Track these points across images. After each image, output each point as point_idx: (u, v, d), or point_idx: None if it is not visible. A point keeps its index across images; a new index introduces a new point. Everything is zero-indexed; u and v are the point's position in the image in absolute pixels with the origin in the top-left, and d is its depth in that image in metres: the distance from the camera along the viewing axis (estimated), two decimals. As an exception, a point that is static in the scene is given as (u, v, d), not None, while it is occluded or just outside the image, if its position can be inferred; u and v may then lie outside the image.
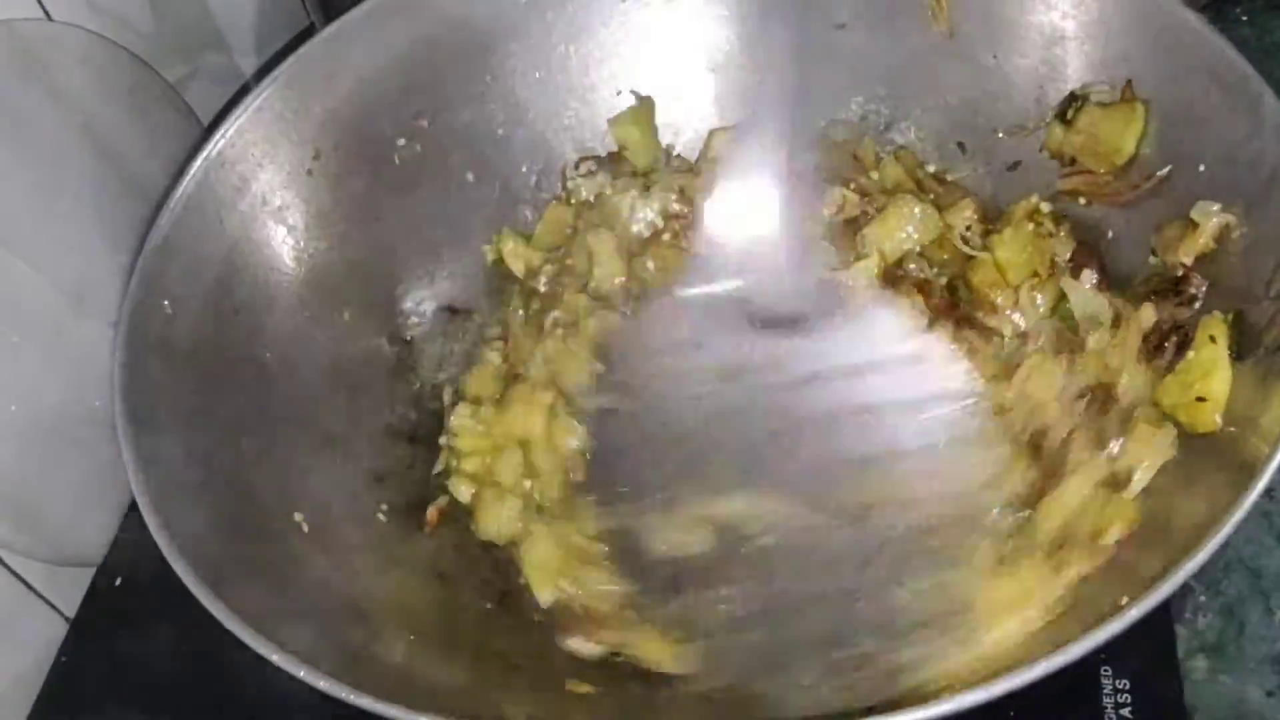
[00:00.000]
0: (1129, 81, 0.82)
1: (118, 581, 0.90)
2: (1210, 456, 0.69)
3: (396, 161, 0.98)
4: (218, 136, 0.88)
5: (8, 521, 0.84)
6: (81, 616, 0.89)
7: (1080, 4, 0.85)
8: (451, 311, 1.00)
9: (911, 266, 0.89)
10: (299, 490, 0.84)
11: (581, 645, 0.78)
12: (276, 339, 0.90)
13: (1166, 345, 0.74)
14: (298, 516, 0.82)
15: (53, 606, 0.88)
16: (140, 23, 0.99)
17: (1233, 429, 0.69)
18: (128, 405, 0.76)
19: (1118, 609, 0.60)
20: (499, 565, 0.85)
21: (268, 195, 0.91)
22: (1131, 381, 0.76)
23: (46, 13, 0.88)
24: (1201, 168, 0.77)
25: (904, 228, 0.89)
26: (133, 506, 0.91)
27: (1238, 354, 0.70)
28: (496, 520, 0.85)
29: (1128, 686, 0.75)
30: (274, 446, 0.85)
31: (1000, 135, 0.92)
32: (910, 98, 0.97)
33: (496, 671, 0.77)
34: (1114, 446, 0.73)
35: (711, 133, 1.01)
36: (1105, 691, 0.75)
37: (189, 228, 0.85)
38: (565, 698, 0.74)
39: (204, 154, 0.87)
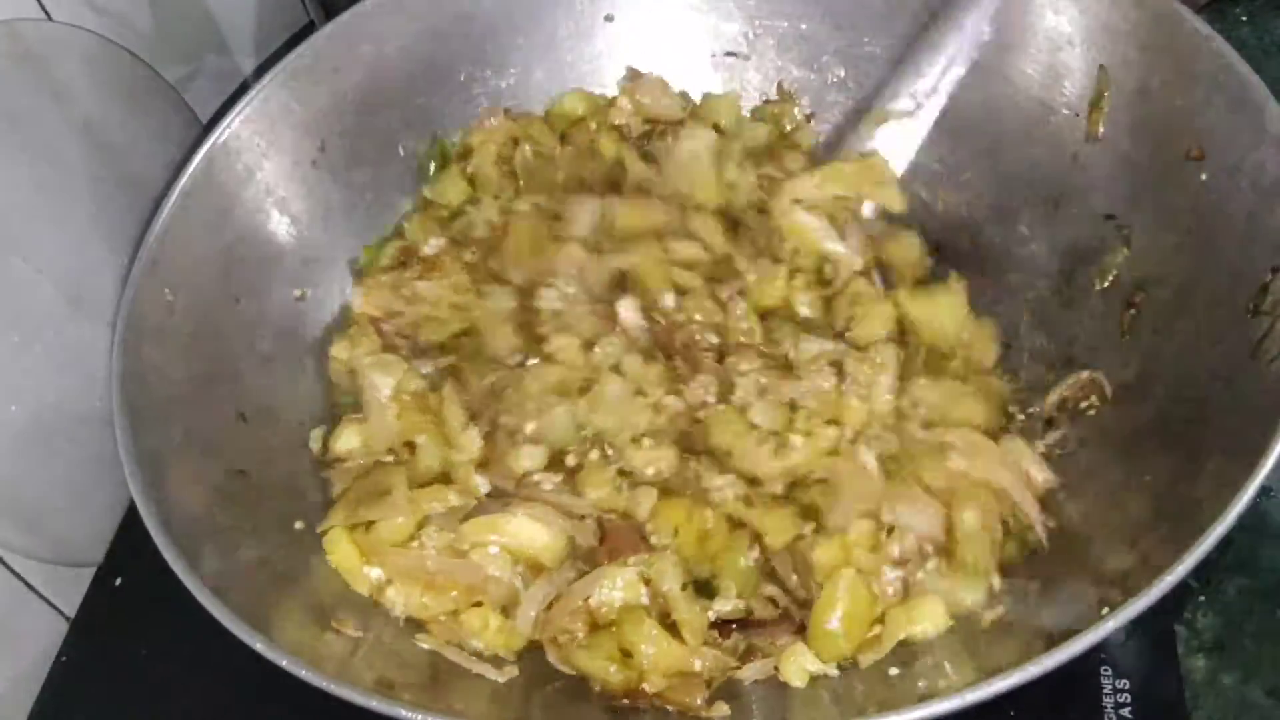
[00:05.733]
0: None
1: (118, 581, 0.90)
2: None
3: (401, 153, 0.99)
4: (223, 126, 0.88)
5: (8, 521, 0.84)
6: (81, 616, 0.89)
7: (1086, 10, 0.85)
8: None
9: None
10: (298, 478, 0.85)
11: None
12: (276, 327, 0.90)
13: None
14: (295, 508, 0.82)
15: (53, 606, 0.88)
16: (140, 23, 0.99)
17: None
18: (125, 391, 0.76)
19: (1110, 608, 0.61)
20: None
21: (272, 185, 0.91)
22: None
23: (46, 13, 0.88)
24: (1204, 176, 0.77)
25: None
26: (133, 506, 0.91)
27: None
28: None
29: (1128, 686, 0.75)
30: (272, 435, 0.86)
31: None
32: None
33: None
34: None
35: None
36: (1105, 691, 0.75)
37: (193, 216, 0.85)
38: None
39: (209, 143, 0.87)
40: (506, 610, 0.77)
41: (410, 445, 0.84)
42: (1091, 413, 0.82)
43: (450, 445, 0.83)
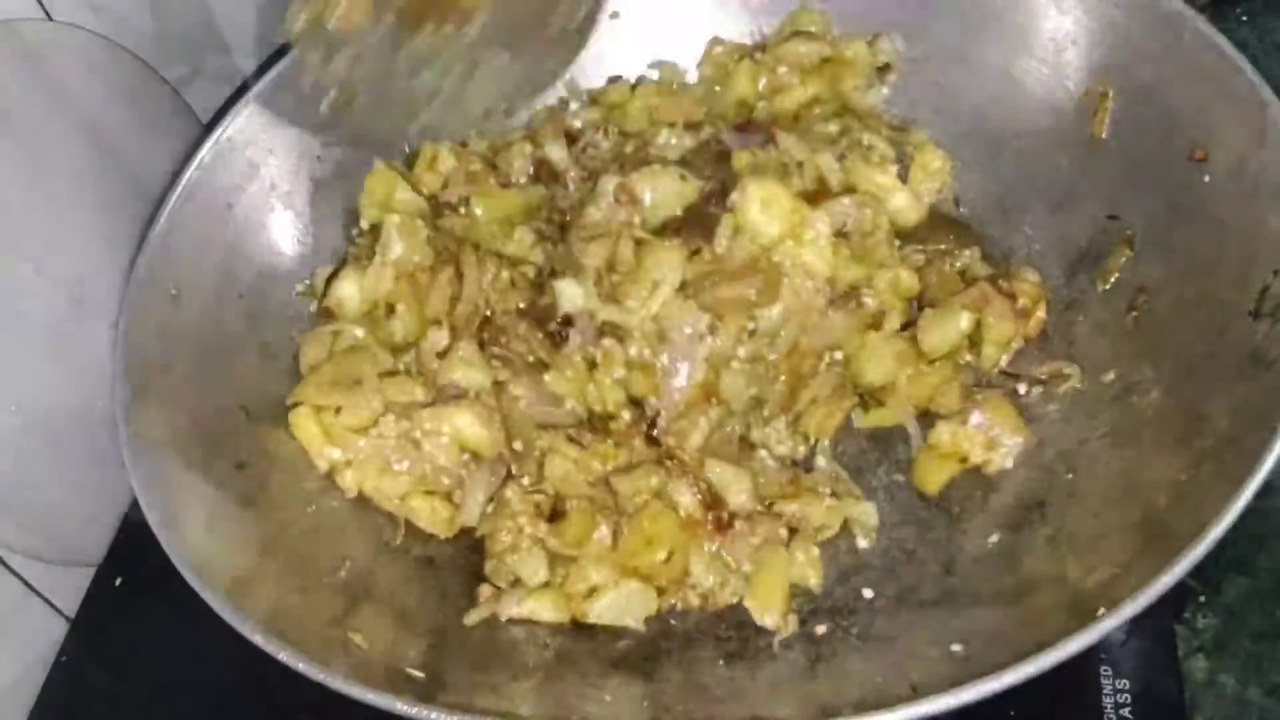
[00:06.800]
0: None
1: (118, 581, 0.90)
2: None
3: (406, 150, 0.99)
4: (228, 121, 0.88)
5: (8, 521, 0.84)
6: (81, 616, 0.89)
7: (1090, 10, 0.85)
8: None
9: None
10: (300, 471, 0.84)
11: None
12: (278, 322, 0.90)
13: None
14: (297, 501, 0.82)
15: (53, 606, 0.88)
16: (140, 23, 0.99)
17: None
18: (128, 384, 0.76)
19: (1109, 608, 0.61)
20: (478, 545, 0.85)
21: (276, 180, 0.91)
22: None
23: (47, 13, 0.88)
24: (1206, 178, 0.77)
25: None
26: (133, 506, 0.91)
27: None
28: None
29: (1128, 686, 0.75)
30: (274, 429, 0.85)
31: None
32: (920, 100, 0.97)
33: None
34: None
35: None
36: (1105, 691, 0.75)
37: (197, 211, 0.86)
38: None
39: (213, 139, 0.87)
40: (451, 497, 0.83)
41: (390, 308, 0.87)
42: (1093, 415, 0.82)
43: (422, 327, 0.87)
